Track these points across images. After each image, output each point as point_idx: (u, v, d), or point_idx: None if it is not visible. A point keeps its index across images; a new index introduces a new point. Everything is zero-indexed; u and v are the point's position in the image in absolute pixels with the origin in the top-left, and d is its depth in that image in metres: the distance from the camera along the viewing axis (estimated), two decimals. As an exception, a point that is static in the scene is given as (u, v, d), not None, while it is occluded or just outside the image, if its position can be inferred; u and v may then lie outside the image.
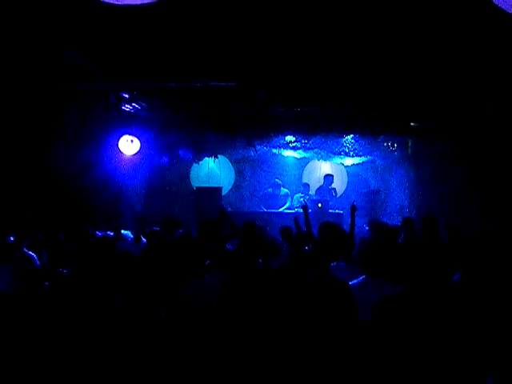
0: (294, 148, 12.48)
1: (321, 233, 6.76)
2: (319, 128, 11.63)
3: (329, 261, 5.00)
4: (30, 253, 5.96)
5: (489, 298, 3.98)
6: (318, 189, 13.05)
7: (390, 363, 3.41)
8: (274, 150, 12.68)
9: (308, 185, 12.99)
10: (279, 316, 4.19)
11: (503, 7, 3.16)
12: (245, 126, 11.69)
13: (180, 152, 12.08)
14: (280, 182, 13.18)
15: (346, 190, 14.00)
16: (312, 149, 12.46)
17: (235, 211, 12.28)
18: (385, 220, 11.01)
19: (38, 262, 5.89)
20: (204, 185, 13.09)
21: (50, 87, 8.56)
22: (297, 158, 13.55)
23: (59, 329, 3.91)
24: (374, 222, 8.30)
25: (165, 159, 12.05)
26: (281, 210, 12.67)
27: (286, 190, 13.20)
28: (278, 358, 3.88)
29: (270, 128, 11.76)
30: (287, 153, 12.99)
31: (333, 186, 12.98)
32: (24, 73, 7.86)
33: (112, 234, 7.61)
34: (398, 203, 12.55)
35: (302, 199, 12.16)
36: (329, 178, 13.01)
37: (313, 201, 12.11)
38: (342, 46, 7.44)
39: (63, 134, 9.39)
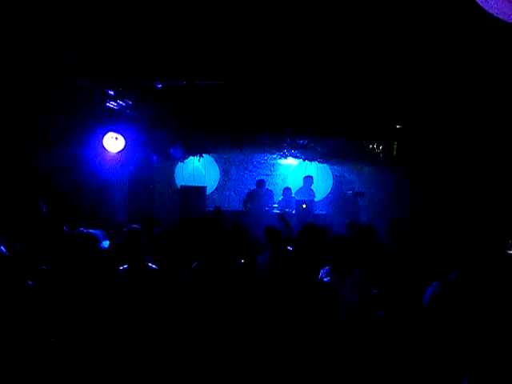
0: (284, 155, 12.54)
1: (303, 234, 6.76)
2: (306, 129, 11.63)
3: (313, 262, 5.00)
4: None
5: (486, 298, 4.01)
6: (297, 190, 13.08)
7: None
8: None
9: (290, 189, 12.96)
10: (265, 316, 4.19)
11: (487, 9, 3.18)
12: (231, 126, 11.66)
13: (167, 151, 12.02)
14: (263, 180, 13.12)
15: (331, 191, 14.01)
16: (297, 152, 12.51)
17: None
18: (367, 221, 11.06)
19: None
20: (188, 184, 13.04)
21: (34, 83, 8.49)
22: (282, 159, 13.54)
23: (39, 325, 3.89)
24: (351, 223, 8.33)
25: (149, 157, 11.98)
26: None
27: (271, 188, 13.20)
28: (266, 358, 3.88)
29: (257, 128, 11.74)
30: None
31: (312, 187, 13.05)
32: (7, 68, 7.78)
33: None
34: (381, 205, 12.57)
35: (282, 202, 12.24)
36: (308, 179, 13.05)
37: (297, 201, 12.12)
38: (328, 49, 7.46)
39: (46, 131, 9.30)
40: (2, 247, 5.70)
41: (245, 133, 11.79)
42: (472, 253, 4.34)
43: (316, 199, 13.17)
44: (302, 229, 7.07)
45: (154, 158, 12.06)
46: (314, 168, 13.85)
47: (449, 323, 3.79)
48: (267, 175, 13.96)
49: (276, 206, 12.58)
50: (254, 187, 13.07)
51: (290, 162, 13.78)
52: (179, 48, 7.51)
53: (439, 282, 4.29)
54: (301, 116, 10.98)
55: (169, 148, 11.97)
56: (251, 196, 12.67)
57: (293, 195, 12.88)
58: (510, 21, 3.22)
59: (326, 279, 4.94)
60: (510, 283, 4.21)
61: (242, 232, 6.94)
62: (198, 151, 12.50)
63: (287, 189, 12.96)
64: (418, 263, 5.20)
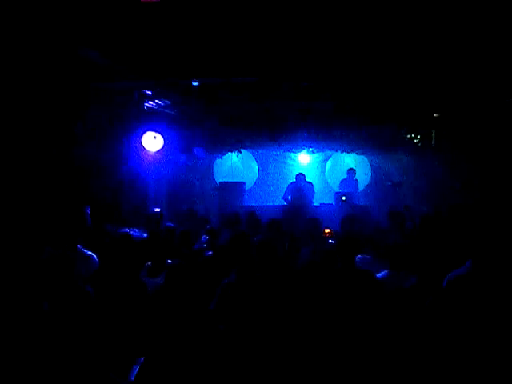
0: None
1: (344, 226, 6.78)
2: (341, 122, 11.61)
3: (353, 253, 5.03)
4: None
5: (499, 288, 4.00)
6: (341, 181, 13.04)
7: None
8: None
9: (303, 175, 12.91)
10: (309, 308, 4.22)
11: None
12: (269, 122, 11.71)
13: (200, 148, 12.12)
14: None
15: (369, 182, 13.94)
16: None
17: (259, 206, 12.30)
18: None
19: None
20: (227, 180, 13.13)
21: (73, 86, 8.64)
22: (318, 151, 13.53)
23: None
24: (392, 212, 8.29)
25: (188, 155, 12.09)
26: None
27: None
28: (304, 349, 3.91)
29: (292, 123, 11.76)
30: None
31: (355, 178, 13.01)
32: (47, 72, 7.94)
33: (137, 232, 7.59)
34: (420, 195, 12.45)
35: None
36: (352, 171, 13.00)
37: (337, 193, 12.12)
38: (364, 36, 7.43)
39: (87, 132, 9.46)
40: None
41: (281, 127, 11.83)
42: (489, 242, 4.33)
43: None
44: (343, 221, 7.10)
45: (189, 155, 12.16)
46: (351, 160, 13.81)
47: (461, 313, 3.79)
48: (304, 169, 13.89)
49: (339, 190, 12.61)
50: (292, 181, 13.09)
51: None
52: (214, 45, 7.56)
53: (453, 272, 4.33)
54: (338, 107, 10.94)
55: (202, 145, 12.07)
56: (291, 189, 12.67)
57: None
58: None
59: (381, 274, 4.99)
60: None
61: (280, 227, 6.97)
62: (236, 147, 12.56)
63: (300, 175, 12.96)
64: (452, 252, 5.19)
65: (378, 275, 5.03)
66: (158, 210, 7.46)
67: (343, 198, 11.75)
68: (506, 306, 3.79)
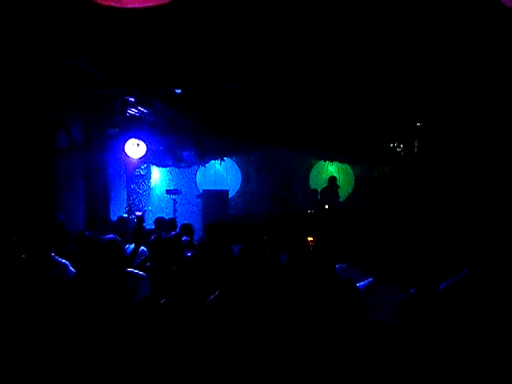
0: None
1: (323, 233, 6.77)
2: (324, 131, 11.65)
3: (333, 261, 5.01)
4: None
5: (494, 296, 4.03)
6: (322, 189, 13.08)
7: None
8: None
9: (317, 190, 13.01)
10: (286, 315, 4.20)
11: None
12: (249, 129, 11.73)
13: (186, 155, 12.10)
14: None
15: (353, 191, 14.01)
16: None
17: (242, 214, 12.30)
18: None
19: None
20: (210, 188, 13.11)
21: (56, 92, 8.60)
22: (303, 161, 13.55)
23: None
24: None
25: (171, 162, 12.07)
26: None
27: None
28: (284, 358, 3.89)
29: (276, 131, 11.78)
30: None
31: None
32: (30, 79, 7.90)
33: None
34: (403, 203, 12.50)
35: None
36: (332, 179, 13.05)
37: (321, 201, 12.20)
38: (348, 48, 7.48)
39: (69, 138, 9.43)
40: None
41: (264, 135, 11.86)
42: (482, 250, 4.37)
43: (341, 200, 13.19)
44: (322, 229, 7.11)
45: (172, 162, 12.15)
46: (335, 168, 13.86)
47: (459, 319, 3.83)
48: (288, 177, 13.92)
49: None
50: (275, 190, 13.15)
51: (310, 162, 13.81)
52: (198, 53, 7.57)
53: (448, 280, 4.35)
54: (320, 116, 10.99)
55: (184, 152, 12.06)
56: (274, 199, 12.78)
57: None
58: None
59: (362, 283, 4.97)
60: None
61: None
62: (219, 155, 12.56)
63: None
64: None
65: (360, 284, 5.01)
66: (139, 213, 7.41)
67: (326, 206, 11.79)
68: (503, 312, 3.83)
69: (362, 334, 4.01)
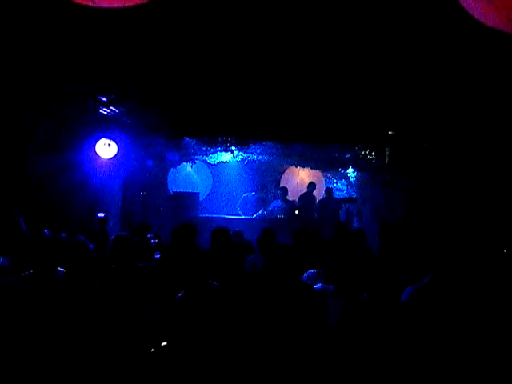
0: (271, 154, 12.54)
1: (295, 239, 6.78)
2: (298, 136, 11.68)
3: (301, 267, 5.03)
4: None
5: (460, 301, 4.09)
6: (301, 195, 13.05)
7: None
8: (252, 157, 12.66)
9: (286, 189, 12.94)
10: (254, 318, 4.21)
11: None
12: (223, 131, 11.73)
13: (157, 156, 12.04)
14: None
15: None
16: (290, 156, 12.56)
17: (212, 217, 12.25)
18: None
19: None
20: (181, 190, 13.05)
21: (26, 89, 8.51)
22: (274, 164, 13.55)
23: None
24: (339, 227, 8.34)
25: (142, 163, 12.00)
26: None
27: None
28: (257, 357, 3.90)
29: (249, 134, 11.79)
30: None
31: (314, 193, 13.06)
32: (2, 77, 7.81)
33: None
34: (373, 211, 12.60)
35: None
36: (312, 185, 13.04)
37: (291, 207, 12.17)
38: (320, 54, 7.51)
39: (39, 137, 9.32)
40: None
41: (237, 138, 11.87)
42: (446, 257, 4.44)
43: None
44: (295, 235, 7.10)
45: (150, 162, 12.08)
46: (306, 173, 13.90)
47: (424, 326, 3.88)
48: (259, 181, 13.91)
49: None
50: (245, 193, 13.16)
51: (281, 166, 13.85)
52: (171, 54, 7.55)
53: (412, 286, 4.40)
54: (291, 122, 11.04)
55: (166, 152, 12.00)
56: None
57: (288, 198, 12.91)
58: (487, 24, 3.24)
59: (317, 285, 4.96)
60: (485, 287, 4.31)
61: (227, 237, 6.93)
62: (190, 157, 12.52)
63: (283, 189, 13.01)
64: (404, 268, 5.24)
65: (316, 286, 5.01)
66: (102, 214, 7.36)
67: (296, 211, 11.81)
68: (468, 317, 3.89)
69: (321, 335, 4.05)
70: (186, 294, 4.56)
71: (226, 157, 12.61)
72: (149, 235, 8.01)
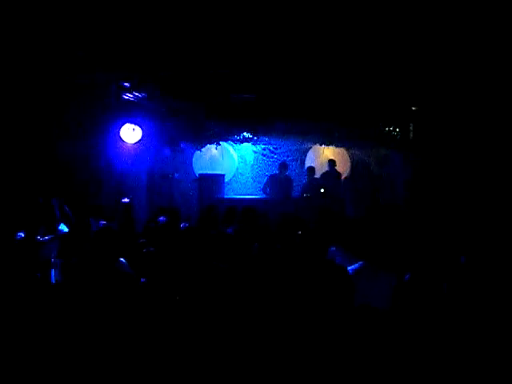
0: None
1: (319, 217, 6.83)
2: (323, 115, 11.64)
3: (326, 245, 5.06)
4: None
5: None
6: (323, 174, 13.07)
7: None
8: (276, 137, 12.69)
9: (313, 168, 12.94)
10: (278, 299, 4.23)
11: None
12: (247, 113, 11.73)
13: (182, 140, 12.11)
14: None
15: (348, 175, 14.01)
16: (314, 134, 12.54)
17: (238, 198, 12.32)
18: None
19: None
20: (207, 172, 13.11)
21: (52, 79, 8.61)
22: (298, 144, 13.55)
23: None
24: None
25: (167, 147, 12.09)
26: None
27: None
28: (276, 339, 3.93)
29: (272, 114, 11.78)
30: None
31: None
32: (25, 66, 7.90)
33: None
34: (398, 189, 12.54)
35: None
36: (331, 162, 13.04)
37: (316, 185, 12.18)
38: (342, 31, 7.47)
39: (66, 125, 9.45)
40: None
41: (260, 119, 11.86)
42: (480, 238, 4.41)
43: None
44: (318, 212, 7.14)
45: (168, 147, 12.16)
46: (331, 152, 13.86)
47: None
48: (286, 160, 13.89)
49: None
50: (273, 172, 13.16)
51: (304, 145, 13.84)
52: (191, 38, 7.57)
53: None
54: (316, 100, 11.00)
55: (181, 137, 12.06)
56: (271, 181, 12.71)
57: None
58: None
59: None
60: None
61: (254, 216, 6.97)
62: (214, 139, 12.55)
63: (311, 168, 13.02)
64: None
65: (351, 267, 5.04)
66: (126, 200, 7.43)
67: (322, 189, 11.81)
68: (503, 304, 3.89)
69: (351, 318, 4.06)
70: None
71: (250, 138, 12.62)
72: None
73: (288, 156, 14.11)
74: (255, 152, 14.09)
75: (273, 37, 7.66)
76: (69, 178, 9.44)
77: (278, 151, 14.08)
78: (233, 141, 12.71)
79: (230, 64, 8.72)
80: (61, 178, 9.21)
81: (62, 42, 7.39)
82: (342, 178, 13.42)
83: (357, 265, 5.10)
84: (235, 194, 13.30)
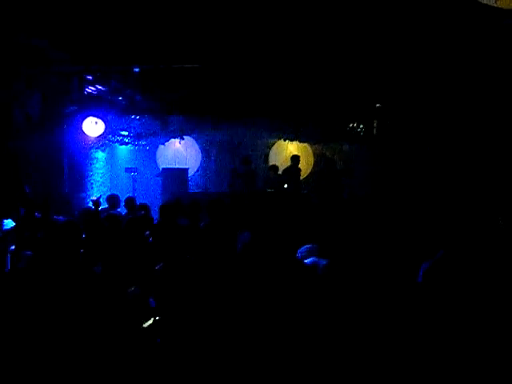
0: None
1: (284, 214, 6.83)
2: (288, 111, 11.65)
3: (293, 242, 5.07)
4: None
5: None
6: (285, 169, 13.07)
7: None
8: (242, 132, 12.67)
9: (276, 167, 12.94)
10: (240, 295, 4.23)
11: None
12: (211, 108, 11.67)
13: (146, 134, 12.00)
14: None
15: (312, 171, 14.07)
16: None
17: (202, 193, 12.28)
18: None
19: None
20: (170, 166, 13.02)
21: (13, 70, 8.43)
22: (263, 139, 13.54)
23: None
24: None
25: (130, 140, 11.97)
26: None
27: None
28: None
29: (237, 109, 11.74)
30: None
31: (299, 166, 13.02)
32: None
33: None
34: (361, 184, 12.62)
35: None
36: (295, 158, 13.03)
37: (280, 181, 12.17)
38: (308, 29, 7.48)
39: (26, 118, 9.26)
40: None
41: (224, 114, 11.82)
42: (455, 231, 4.46)
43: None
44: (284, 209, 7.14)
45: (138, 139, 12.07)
46: (295, 147, 13.89)
47: (441, 301, 3.90)
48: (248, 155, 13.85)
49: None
50: (235, 165, 13.10)
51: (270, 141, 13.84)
52: (156, 32, 7.49)
53: (426, 262, 4.41)
54: (281, 96, 11.00)
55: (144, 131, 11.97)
56: (235, 175, 12.65)
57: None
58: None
59: (309, 260, 4.99)
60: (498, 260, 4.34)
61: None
62: (179, 133, 12.48)
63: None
64: (396, 242, 5.28)
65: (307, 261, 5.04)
66: (95, 197, 7.38)
67: (285, 185, 11.83)
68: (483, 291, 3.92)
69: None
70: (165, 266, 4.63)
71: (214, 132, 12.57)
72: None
73: (252, 150, 14.09)
74: (218, 146, 14.06)
75: (238, 34, 7.62)
76: (27, 172, 9.26)
77: (242, 145, 14.06)
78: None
79: (195, 58, 8.65)
80: (18, 173, 9.03)
81: (24, 30, 7.23)
82: (306, 173, 13.46)
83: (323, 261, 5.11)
84: (198, 189, 13.25)
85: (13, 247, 5.81)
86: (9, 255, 5.87)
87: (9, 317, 3.85)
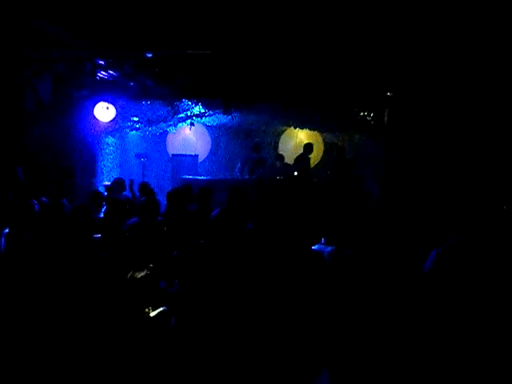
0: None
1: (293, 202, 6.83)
2: (299, 98, 11.61)
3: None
4: None
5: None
6: (297, 157, 13.03)
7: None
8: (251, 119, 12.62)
9: (282, 156, 12.95)
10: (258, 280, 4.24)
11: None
12: (222, 94, 11.64)
13: (157, 119, 11.98)
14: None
15: (322, 159, 14.03)
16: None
17: (211, 179, 12.28)
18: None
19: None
20: (180, 152, 13.03)
21: (24, 55, 8.44)
22: (274, 126, 13.51)
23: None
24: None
25: (140, 126, 11.96)
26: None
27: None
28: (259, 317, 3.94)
29: (248, 96, 11.71)
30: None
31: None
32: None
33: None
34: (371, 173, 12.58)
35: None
36: (308, 146, 13.00)
37: (290, 168, 12.15)
38: (318, 15, 7.45)
39: (37, 102, 9.28)
40: None
41: (235, 100, 11.78)
42: (465, 218, 4.45)
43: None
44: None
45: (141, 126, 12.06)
46: (305, 135, 13.85)
47: (451, 289, 3.91)
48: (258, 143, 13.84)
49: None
50: (246, 154, 13.09)
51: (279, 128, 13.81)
52: (169, 17, 7.48)
53: (438, 249, 4.41)
54: (292, 83, 10.96)
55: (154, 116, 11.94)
56: (246, 163, 12.65)
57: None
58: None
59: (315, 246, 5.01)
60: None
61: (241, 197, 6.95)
62: (190, 119, 12.45)
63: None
64: (408, 230, 5.29)
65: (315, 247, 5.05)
66: (107, 183, 7.40)
67: (295, 173, 11.81)
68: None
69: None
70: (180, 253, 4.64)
71: (224, 119, 12.52)
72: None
73: (262, 138, 14.08)
74: (228, 133, 14.05)
75: (251, 20, 7.61)
76: (39, 157, 9.30)
77: (252, 133, 14.05)
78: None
79: (206, 44, 8.64)
80: (31, 158, 9.06)
81: (37, 15, 7.24)
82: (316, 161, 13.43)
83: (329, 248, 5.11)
84: (208, 176, 13.26)
85: (6, 230, 5.80)
86: (3, 238, 5.87)
87: (10, 300, 3.89)
